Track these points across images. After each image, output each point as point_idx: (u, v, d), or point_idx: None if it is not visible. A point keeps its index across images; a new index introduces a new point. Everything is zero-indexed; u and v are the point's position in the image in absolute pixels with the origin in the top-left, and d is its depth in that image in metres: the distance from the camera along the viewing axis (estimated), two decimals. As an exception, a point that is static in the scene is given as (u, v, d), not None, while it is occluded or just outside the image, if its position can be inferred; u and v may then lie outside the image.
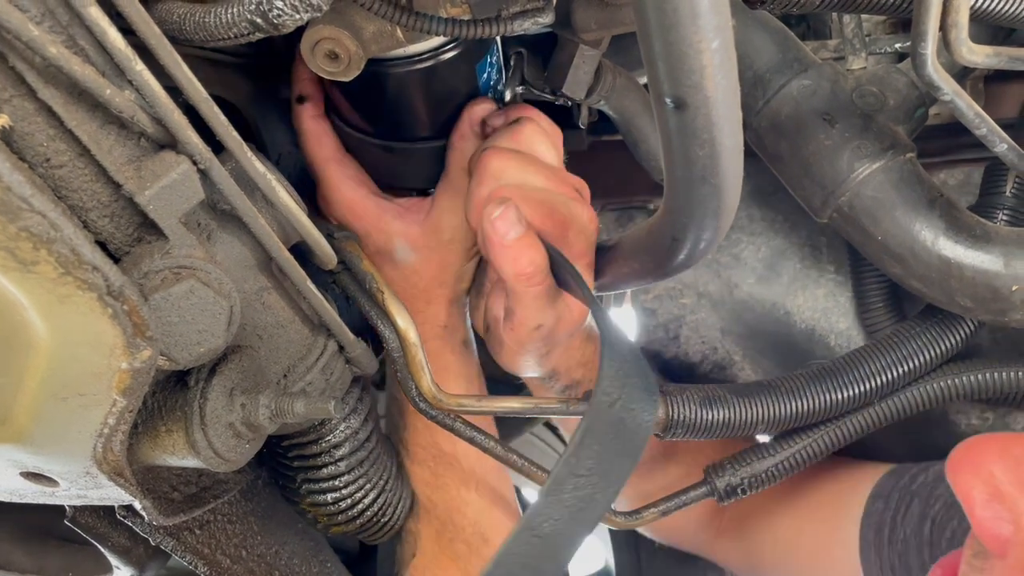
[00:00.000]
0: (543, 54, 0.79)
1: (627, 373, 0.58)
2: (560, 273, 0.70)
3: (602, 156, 1.03)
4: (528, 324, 0.74)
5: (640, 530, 1.15)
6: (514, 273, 0.69)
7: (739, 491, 0.80)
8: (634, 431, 0.56)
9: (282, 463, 0.76)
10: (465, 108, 0.76)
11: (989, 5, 0.56)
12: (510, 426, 1.49)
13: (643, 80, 0.85)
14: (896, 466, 0.89)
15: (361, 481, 0.76)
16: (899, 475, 0.86)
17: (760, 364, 1.09)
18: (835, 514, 0.91)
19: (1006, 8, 0.57)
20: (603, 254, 0.74)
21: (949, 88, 0.57)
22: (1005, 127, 0.68)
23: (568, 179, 0.76)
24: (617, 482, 0.56)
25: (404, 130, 0.77)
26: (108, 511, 0.71)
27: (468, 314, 0.86)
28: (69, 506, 0.69)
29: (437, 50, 0.68)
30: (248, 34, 0.50)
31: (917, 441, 0.96)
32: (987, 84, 0.91)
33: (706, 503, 0.85)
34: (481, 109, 0.76)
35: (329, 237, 0.69)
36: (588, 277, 0.74)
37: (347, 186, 0.78)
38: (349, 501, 0.76)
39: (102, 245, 0.51)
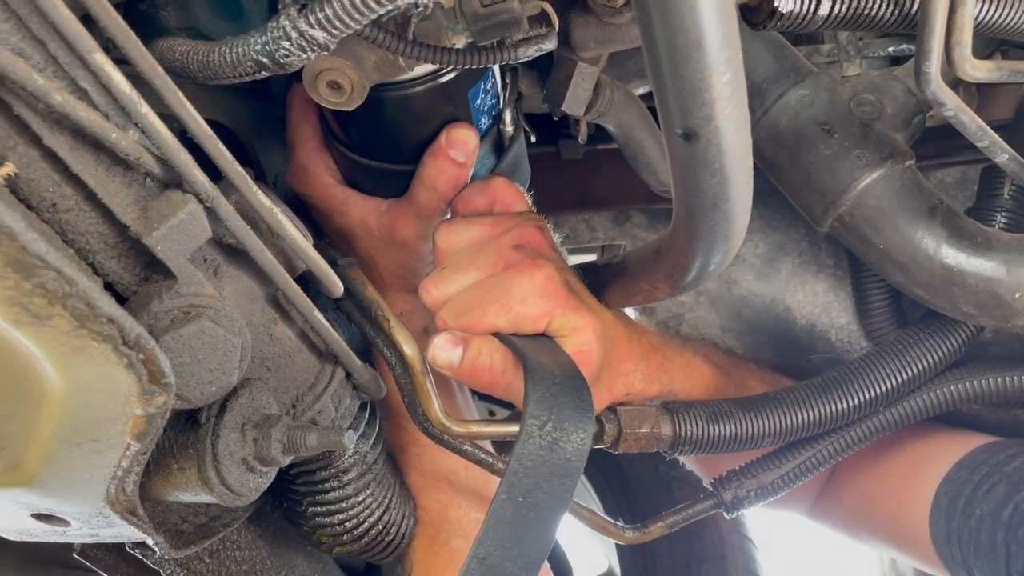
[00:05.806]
0: (540, 70, 0.79)
1: (555, 394, 0.59)
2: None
3: (598, 165, 1.02)
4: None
5: None
6: (483, 386, 0.70)
7: (745, 502, 0.80)
8: (568, 450, 0.57)
9: (288, 487, 0.76)
10: (444, 129, 0.73)
11: (991, 20, 0.56)
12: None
13: (639, 92, 0.85)
14: (996, 441, 0.85)
15: (368, 501, 0.76)
16: (994, 451, 0.83)
17: (762, 360, 1.08)
18: (916, 474, 0.89)
19: (1008, 22, 0.57)
20: (609, 273, 0.74)
21: (953, 104, 0.57)
22: (999, 128, 0.68)
23: (506, 240, 0.74)
24: (560, 501, 0.56)
25: (387, 151, 0.76)
26: (117, 543, 0.71)
27: None
28: (78, 541, 0.69)
29: (433, 74, 0.67)
30: (253, 73, 0.49)
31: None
32: (979, 86, 0.91)
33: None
34: (459, 134, 0.73)
35: (333, 264, 0.69)
36: (580, 318, 0.72)
37: (322, 170, 0.80)
38: (355, 521, 0.76)
39: (109, 286, 0.51)
